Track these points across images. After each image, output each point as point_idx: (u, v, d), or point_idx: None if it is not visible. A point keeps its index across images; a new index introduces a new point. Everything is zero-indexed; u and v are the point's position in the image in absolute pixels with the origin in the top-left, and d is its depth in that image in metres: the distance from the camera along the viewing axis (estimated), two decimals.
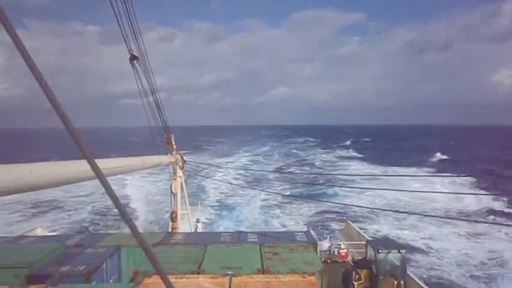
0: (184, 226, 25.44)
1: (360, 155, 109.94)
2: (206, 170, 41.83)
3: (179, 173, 24.07)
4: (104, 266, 13.85)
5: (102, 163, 7.26)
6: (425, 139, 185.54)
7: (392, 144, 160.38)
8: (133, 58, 16.16)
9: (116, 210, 2.20)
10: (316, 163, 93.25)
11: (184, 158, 24.77)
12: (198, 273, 12.56)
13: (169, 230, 23.40)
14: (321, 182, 59.81)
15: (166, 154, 22.42)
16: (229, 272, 12.29)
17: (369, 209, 40.44)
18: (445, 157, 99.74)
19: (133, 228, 2.09)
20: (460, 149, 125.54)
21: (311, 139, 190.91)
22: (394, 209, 40.27)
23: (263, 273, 12.55)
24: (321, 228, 38.19)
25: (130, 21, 14.12)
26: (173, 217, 23.64)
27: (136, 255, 15.54)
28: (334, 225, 33.66)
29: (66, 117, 1.90)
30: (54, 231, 31.47)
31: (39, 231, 26.30)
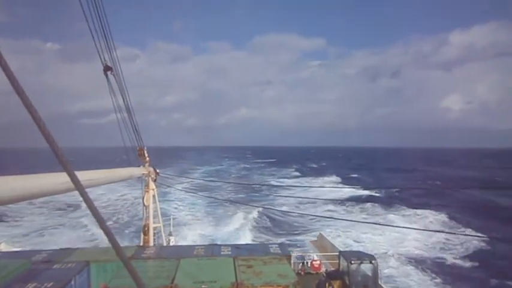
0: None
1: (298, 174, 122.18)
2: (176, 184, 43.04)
3: (152, 185, 23.70)
4: (73, 282, 13.38)
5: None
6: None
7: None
8: (107, 69, 15.93)
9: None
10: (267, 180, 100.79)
11: (157, 170, 24.44)
12: None
13: (141, 243, 22.91)
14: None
15: (139, 166, 22.07)
16: (202, 286, 12.17)
17: None
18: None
19: (113, 240, 2.09)
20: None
21: (266, 160, 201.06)
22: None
23: (237, 287, 12.50)
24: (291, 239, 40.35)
25: (104, 32, 13.98)
26: (145, 230, 23.15)
27: (107, 271, 15.11)
28: (308, 237, 34.28)
29: (43, 123, 1.91)
30: (20, 246, 30.18)
31: (3, 247, 25.17)
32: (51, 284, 12.41)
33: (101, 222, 2.04)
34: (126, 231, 42.60)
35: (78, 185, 1.96)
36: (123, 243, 38.13)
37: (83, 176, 8.18)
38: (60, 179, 4.64)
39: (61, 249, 18.56)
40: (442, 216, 49.91)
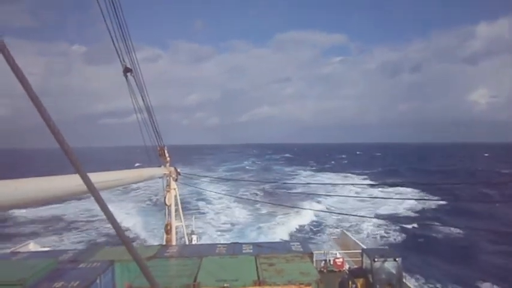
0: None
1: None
2: (199, 182, 44.16)
3: (173, 185, 23.91)
4: (98, 281, 13.63)
5: (94, 177, 7.17)
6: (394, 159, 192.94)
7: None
8: (127, 70, 16.16)
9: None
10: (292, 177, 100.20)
11: (178, 170, 24.64)
12: (194, 286, 12.44)
13: (164, 242, 23.16)
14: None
15: (160, 166, 22.29)
16: (225, 285, 12.18)
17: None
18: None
19: (127, 242, 2.07)
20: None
21: (287, 155, 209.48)
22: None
23: (259, 285, 12.45)
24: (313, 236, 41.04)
25: (123, 34, 14.16)
26: (167, 229, 23.40)
27: (131, 270, 15.32)
28: (330, 235, 34.15)
29: (57, 129, 1.91)
30: (47, 246, 31.05)
31: (32, 247, 25.92)
32: (77, 283, 12.66)
33: (115, 224, 2.02)
34: None
35: (90, 186, 1.94)
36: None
37: (104, 177, 8.27)
38: (74, 181, 4.65)
39: (86, 248, 18.98)
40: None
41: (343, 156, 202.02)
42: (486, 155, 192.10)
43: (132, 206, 58.44)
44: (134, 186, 66.84)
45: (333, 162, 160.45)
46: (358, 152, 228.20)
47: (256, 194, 65.79)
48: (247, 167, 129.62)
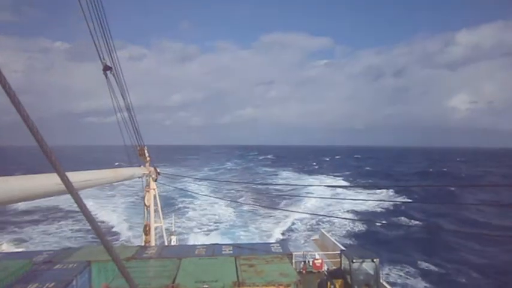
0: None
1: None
2: (179, 184, 43.99)
3: (153, 185, 23.67)
4: (74, 282, 13.36)
5: (72, 176, 7.03)
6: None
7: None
8: (106, 68, 15.89)
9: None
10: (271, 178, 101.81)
11: (158, 170, 24.40)
12: (173, 287, 12.35)
13: (143, 243, 22.90)
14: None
15: (140, 166, 22.03)
16: (204, 286, 12.14)
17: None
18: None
19: (105, 242, 2.04)
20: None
21: (270, 156, 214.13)
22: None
23: (239, 286, 12.46)
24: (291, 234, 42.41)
25: (103, 32, 13.93)
26: (146, 230, 23.14)
27: (108, 270, 15.09)
28: (310, 236, 34.57)
29: (35, 126, 1.87)
30: (21, 247, 30.26)
31: (5, 248, 25.23)
32: (53, 284, 12.38)
33: (93, 224, 1.99)
34: None
35: (68, 185, 1.92)
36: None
37: (83, 176, 8.13)
38: (52, 180, 4.56)
39: (62, 249, 18.57)
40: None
41: (327, 159, 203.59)
42: (458, 159, 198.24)
43: (122, 201, 58.10)
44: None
45: (314, 163, 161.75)
46: (337, 156, 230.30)
47: (239, 193, 65.95)
48: (230, 168, 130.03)
